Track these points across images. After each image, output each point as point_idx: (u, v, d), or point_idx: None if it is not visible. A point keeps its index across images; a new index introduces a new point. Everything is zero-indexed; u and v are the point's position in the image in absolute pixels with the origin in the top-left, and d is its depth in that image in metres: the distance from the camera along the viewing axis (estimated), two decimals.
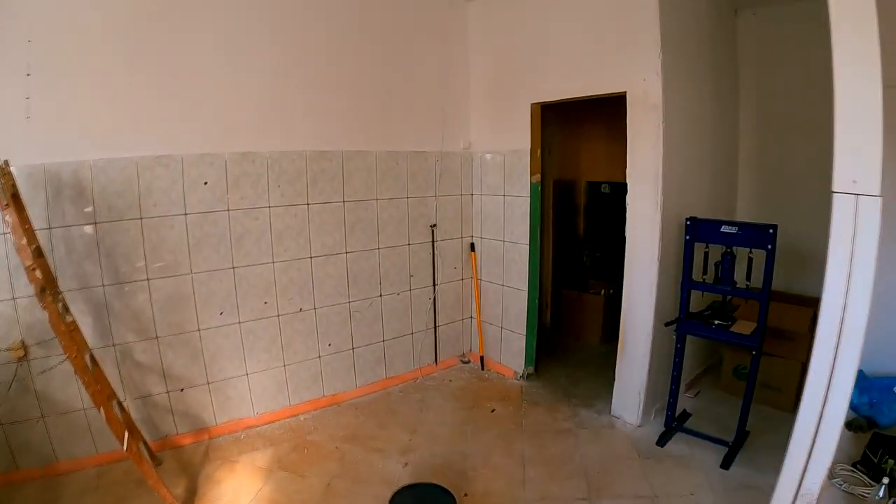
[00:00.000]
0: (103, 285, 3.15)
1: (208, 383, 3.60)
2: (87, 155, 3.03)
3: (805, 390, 2.23)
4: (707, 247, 3.44)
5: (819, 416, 2.19)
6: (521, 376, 4.58)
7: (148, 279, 3.30)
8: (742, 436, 3.41)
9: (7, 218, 2.46)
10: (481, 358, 4.88)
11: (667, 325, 3.52)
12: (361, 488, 3.14)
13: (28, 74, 2.83)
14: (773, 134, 4.37)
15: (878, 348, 2.72)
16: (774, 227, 3.06)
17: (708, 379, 4.49)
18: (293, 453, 3.49)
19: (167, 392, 3.46)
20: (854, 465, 2.98)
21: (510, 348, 4.67)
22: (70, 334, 2.61)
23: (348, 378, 4.25)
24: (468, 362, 4.98)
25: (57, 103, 2.93)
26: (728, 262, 3.31)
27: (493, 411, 4.06)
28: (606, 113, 5.41)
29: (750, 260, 3.27)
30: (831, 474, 2.57)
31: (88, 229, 3.07)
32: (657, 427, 3.71)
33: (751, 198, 4.54)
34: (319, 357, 4.07)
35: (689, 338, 3.58)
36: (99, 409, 2.60)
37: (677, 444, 3.54)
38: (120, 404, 2.93)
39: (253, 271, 3.67)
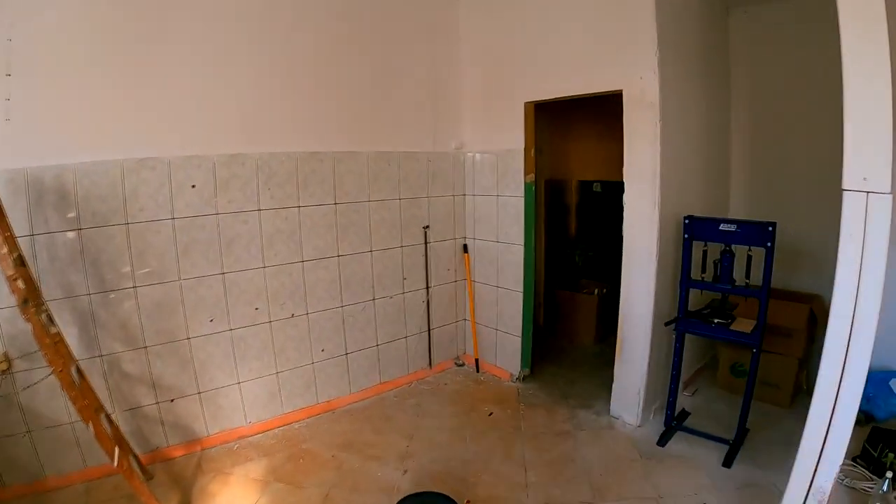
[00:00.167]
0: (89, 294, 3.03)
1: (199, 393, 3.49)
2: (70, 158, 2.90)
3: (816, 388, 2.21)
4: (705, 245, 3.43)
5: (830, 414, 2.17)
6: (517, 378, 4.53)
7: (135, 286, 3.18)
8: (742, 434, 3.40)
9: None
10: (476, 360, 4.83)
11: (667, 324, 3.50)
12: (361, 498, 3.07)
13: (8, 75, 2.70)
14: (765, 132, 4.38)
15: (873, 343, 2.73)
16: (773, 224, 3.06)
17: (704, 377, 4.49)
18: (288, 463, 3.40)
19: (157, 403, 3.34)
20: (854, 459, 2.99)
21: (505, 350, 4.62)
22: (55, 346, 2.50)
23: (342, 384, 4.16)
24: (463, 365, 4.92)
25: (38, 105, 2.81)
26: (727, 260, 3.29)
27: (490, 414, 4.00)
28: (596, 111, 5.41)
29: (749, 258, 3.25)
30: None
31: (72, 235, 2.95)
32: (657, 427, 3.69)
33: (743, 196, 4.54)
34: (312, 363, 3.97)
35: (686, 336, 3.56)
36: (87, 425, 2.49)
37: (678, 444, 3.52)
38: (108, 417, 2.82)
39: (243, 276, 3.57)
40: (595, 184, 5.75)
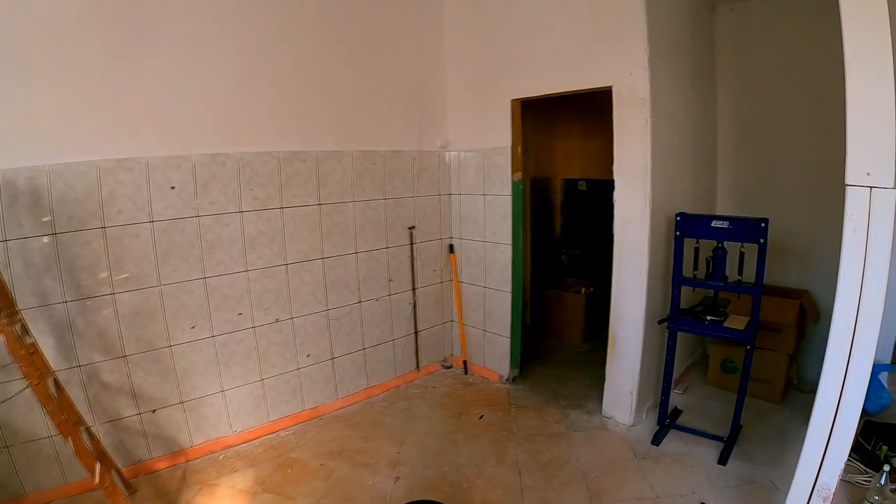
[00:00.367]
0: (65, 301, 2.88)
1: (182, 402, 3.36)
2: (44, 159, 2.76)
3: (819, 385, 2.19)
4: (697, 242, 3.41)
5: (835, 412, 2.14)
6: (507, 379, 4.48)
7: (113, 293, 3.04)
8: (736, 430, 3.38)
9: None
10: (464, 362, 4.76)
11: (660, 322, 3.48)
12: None
13: None
14: (751, 128, 4.39)
15: None
16: (765, 220, 3.05)
17: (694, 374, 4.48)
18: (276, 473, 3.29)
19: (138, 414, 3.21)
20: None
21: (494, 351, 4.56)
22: (30, 358, 2.36)
23: (329, 389, 4.06)
24: (450, 367, 4.85)
25: (8, 104, 2.65)
26: (720, 257, 3.27)
27: (481, 417, 3.93)
28: (580, 108, 5.42)
29: (742, 254, 3.24)
30: None
31: (47, 240, 2.80)
32: (650, 426, 3.67)
33: (730, 192, 4.55)
34: (298, 369, 3.86)
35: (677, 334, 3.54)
36: (67, 440, 2.36)
37: (672, 442, 3.49)
38: (88, 431, 2.69)
39: (225, 281, 3.45)
40: (580, 182, 5.73)
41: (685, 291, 3.51)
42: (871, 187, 1.95)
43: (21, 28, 2.65)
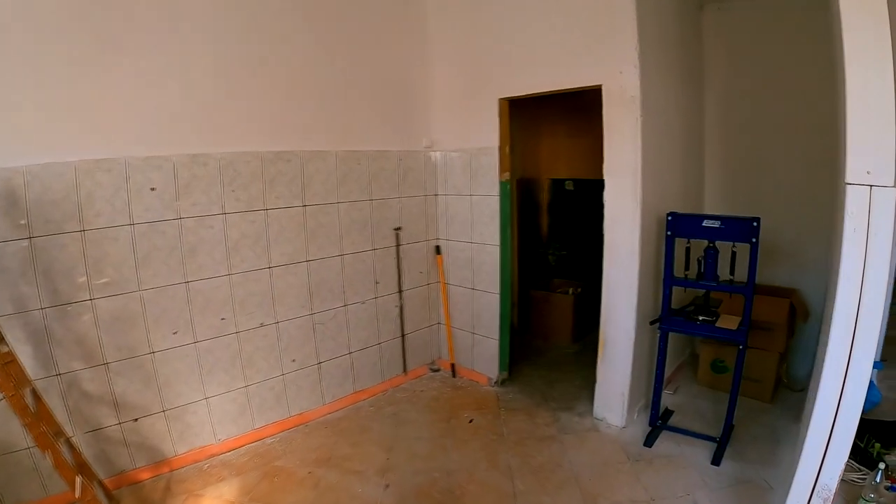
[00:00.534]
0: (42, 308, 2.77)
1: (164, 411, 3.25)
2: (19, 160, 2.64)
3: (819, 385, 2.16)
4: (688, 242, 3.39)
5: (835, 412, 2.13)
6: (496, 382, 4.43)
7: (92, 299, 2.93)
8: (728, 430, 3.37)
9: None
10: (452, 365, 4.70)
11: (652, 323, 3.45)
12: None
13: None
14: (739, 127, 4.39)
15: None
16: (757, 219, 3.04)
17: (684, 374, 4.47)
18: (263, 482, 3.20)
19: (120, 423, 3.09)
20: None
21: (482, 354, 4.51)
22: (5, 368, 2.25)
23: (315, 395, 3.97)
24: (438, 370, 4.79)
25: None
26: (712, 256, 3.25)
27: (471, 421, 3.88)
28: (566, 108, 5.38)
29: (733, 254, 3.23)
30: None
31: (24, 245, 2.69)
32: (642, 427, 3.64)
33: (718, 192, 4.55)
34: (283, 374, 3.77)
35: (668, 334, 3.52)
36: (45, 454, 2.26)
37: (665, 443, 3.47)
38: (69, 442, 2.57)
39: (208, 285, 3.35)
40: (567, 182, 5.71)
41: (676, 291, 3.49)
42: (871, 186, 1.93)
43: None
